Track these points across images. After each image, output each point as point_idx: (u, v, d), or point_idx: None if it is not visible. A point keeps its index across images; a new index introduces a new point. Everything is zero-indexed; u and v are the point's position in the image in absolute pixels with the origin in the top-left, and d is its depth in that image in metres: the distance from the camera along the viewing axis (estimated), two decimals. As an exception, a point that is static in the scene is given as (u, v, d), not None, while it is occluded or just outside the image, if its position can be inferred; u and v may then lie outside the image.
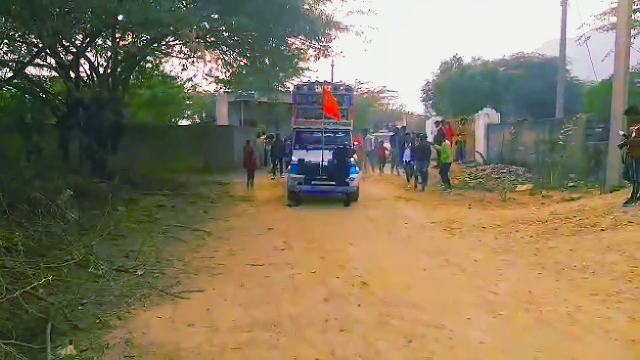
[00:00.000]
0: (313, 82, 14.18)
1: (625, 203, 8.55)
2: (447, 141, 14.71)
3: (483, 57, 28.60)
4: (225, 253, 7.29)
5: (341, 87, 14.11)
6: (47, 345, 3.78)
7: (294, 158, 12.54)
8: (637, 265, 5.76)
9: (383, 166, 19.57)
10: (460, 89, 25.90)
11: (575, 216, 8.67)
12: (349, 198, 12.07)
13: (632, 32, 13.65)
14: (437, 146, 14.71)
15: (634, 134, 8.44)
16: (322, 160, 12.03)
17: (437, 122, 20.65)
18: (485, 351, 3.93)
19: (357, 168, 12.63)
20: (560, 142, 14.82)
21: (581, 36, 18.54)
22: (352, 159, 12.51)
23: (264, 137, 21.56)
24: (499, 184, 14.82)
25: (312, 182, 11.99)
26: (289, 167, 12.85)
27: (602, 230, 7.59)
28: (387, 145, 20.12)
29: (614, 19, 15.67)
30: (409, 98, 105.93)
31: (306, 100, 13.88)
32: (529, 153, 16.65)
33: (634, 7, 14.42)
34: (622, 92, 10.79)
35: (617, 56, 11.04)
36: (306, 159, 12.22)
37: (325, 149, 12.14)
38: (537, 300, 5.01)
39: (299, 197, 12.05)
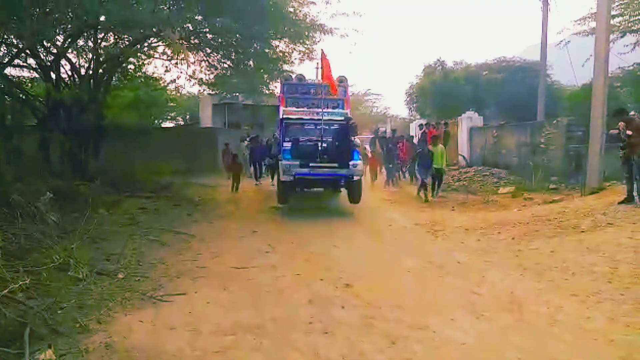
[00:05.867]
0: (302, 74, 13.09)
1: (622, 202, 8.70)
2: (440, 145, 14.30)
3: (465, 61, 28.84)
4: (208, 256, 7.22)
5: (335, 78, 12.60)
6: (25, 350, 3.70)
7: (286, 145, 11.28)
8: (617, 266, 5.87)
9: (376, 178, 17.82)
10: (444, 93, 26.05)
11: (556, 218, 8.81)
12: (353, 191, 10.88)
13: (611, 36, 13.90)
14: (435, 146, 13.85)
15: (630, 135, 8.60)
16: (321, 140, 10.87)
17: (421, 125, 20.70)
18: (468, 352, 3.96)
19: (359, 155, 11.38)
20: (542, 145, 15.01)
21: (561, 41, 18.88)
22: (355, 139, 11.21)
23: (247, 140, 19.81)
24: (482, 187, 14.95)
25: (310, 165, 10.70)
26: (278, 168, 11.67)
27: (583, 232, 7.72)
28: (367, 147, 19.57)
29: (593, 24, 15.98)
30: (393, 101, 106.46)
31: (296, 90, 12.68)
32: (511, 156, 16.83)
33: (613, 12, 14.71)
34: (602, 96, 10.96)
35: (597, 60, 11.21)
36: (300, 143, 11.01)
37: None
38: (519, 301, 5.08)
39: (292, 192, 10.86)
